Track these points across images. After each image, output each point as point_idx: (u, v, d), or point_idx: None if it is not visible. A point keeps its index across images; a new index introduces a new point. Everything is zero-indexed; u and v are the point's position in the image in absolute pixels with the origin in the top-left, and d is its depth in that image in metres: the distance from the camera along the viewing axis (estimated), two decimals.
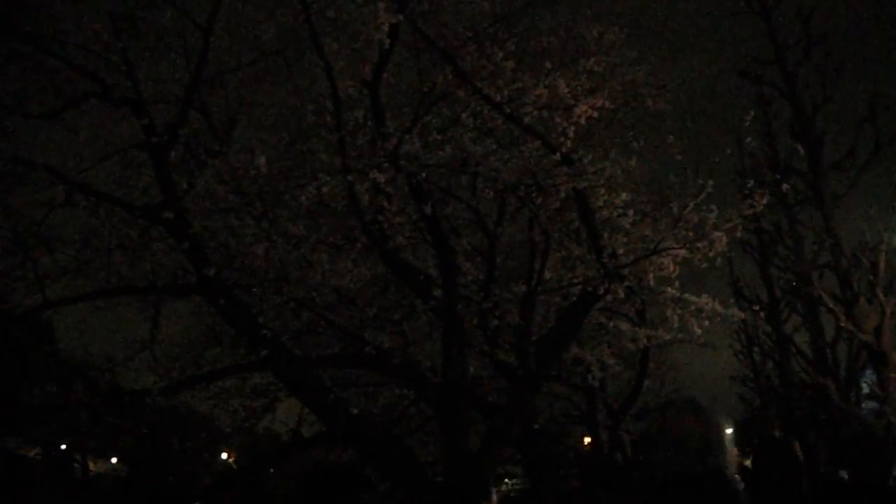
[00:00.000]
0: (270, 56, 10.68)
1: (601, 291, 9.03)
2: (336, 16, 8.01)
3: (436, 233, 8.88)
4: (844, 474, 7.25)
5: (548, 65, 9.46)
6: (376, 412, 15.11)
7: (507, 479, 31.64)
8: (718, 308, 9.12)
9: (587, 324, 14.23)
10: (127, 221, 10.18)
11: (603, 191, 9.15)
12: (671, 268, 9.07)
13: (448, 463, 8.81)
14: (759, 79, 16.30)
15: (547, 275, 9.90)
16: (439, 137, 7.99)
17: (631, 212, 8.47)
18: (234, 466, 41.55)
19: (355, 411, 9.03)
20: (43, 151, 10.63)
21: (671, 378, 26.09)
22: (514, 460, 20.35)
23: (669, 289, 9.03)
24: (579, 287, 9.52)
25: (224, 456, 45.76)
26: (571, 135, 8.98)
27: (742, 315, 9.23)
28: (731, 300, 26.13)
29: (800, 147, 14.42)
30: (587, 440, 24.92)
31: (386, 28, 7.57)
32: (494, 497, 8.61)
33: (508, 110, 8.83)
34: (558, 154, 8.28)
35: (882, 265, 13.72)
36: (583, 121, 9.34)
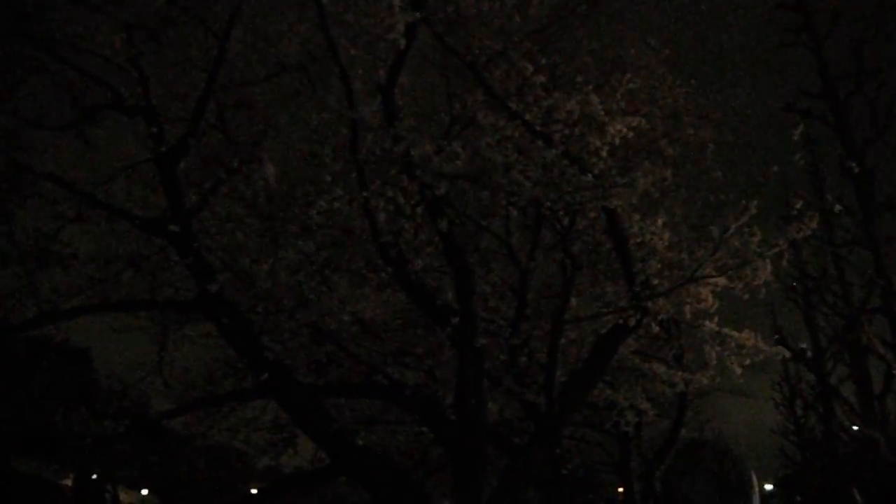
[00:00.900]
0: (293, 72, 10.27)
1: (633, 323, 8.33)
2: (353, 20, 7.55)
3: (452, 251, 8.26)
4: None
5: (580, 79, 8.91)
6: (393, 450, 14.47)
7: None
8: (762, 346, 8.38)
9: (621, 366, 13.65)
10: (141, 239, 9.85)
11: (638, 216, 8.51)
12: (709, 301, 8.36)
13: None
14: (807, 112, 15.58)
15: (575, 304, 9.22)
16: (455, 147, 7.38)
17: (667, 234, 7.78)
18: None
19: (361, 443, 8.39)
20: (59, 166, 10.36)
21: (710, 428, 25.05)
22: None
23: (708, 322, 8.30)
24: (610, 320, 8.82)
25: (254, 492, 45.30)
26: (605, 154, 8.37)
27: (788, 354, 8.46)
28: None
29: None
30: (620, 489, 23.97)
31: (402, 28, 7.06)
32: None
33: (538, 128, 8.26)
34: (590, 175, 7.68)
35: None
36: (617, 141, 8.69)
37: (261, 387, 8.54)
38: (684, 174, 8.62)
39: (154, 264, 10.11)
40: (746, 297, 7.85)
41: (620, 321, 8.61)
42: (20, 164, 8.95)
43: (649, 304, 8.08)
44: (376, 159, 8.65)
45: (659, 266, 7.96)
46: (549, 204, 7.68)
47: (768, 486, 38.70)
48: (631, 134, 8.78)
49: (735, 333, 8.30)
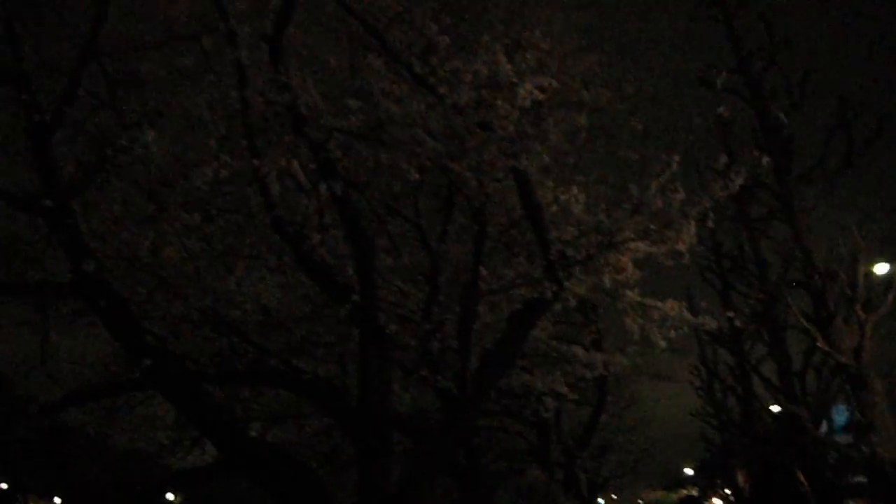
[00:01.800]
0: (184, 42, 9.34)
1: (548, 296, 7.61)
2: None
3: (349, 219, 7.41)
4: None
5: (486, 38, 8.16)
6: (303, 446, 13.60)
7: None
8: (687, 316, 7.76)
9: (538, 351, 13.10)
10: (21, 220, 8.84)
11: (551, 180, 7.82)
12: (630, 270, 7.70)
13: (364, 501, 7.30)
14: (715, 85, 15.21)
15: (489, 279, 8.48)
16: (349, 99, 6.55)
17: (583, 195, 7.08)
18: None
19: (254, 434, 7.52)
20: None
21: (631, 414, 24.72)
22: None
23: (629, 293, 7.65)
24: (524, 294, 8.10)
25: (170, 497, 43.83)
26: (515, 118, 7.63)
27: (714, 324, 7.87)
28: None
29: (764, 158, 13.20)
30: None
31: None
32: None
33: (443, 91, 7.47)
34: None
35: (861, 279, 12.55)
36: (528, 103, 7.94)
37: (144, 375, 7.57)
38: (601, 125, 7.93)
39: (39, 251, 9.09)
40: (671, 263, 7.22)
41: (536, 295, 7.89)
42: None
43: (565, 274, 7.39)
44: (266, 122, 7.78)
45: (575, 233, 7.27)
46: (454, 165, 6.88)
47: (689, 471, 38.94)
48: (542, 96, 8.07)
49: (658, 303, 7.67)
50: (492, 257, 8.72)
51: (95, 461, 33.51)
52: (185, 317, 9.34)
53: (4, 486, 32.57)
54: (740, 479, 25.79)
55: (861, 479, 13.78)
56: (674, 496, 44.02)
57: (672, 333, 7.96)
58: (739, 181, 6.62)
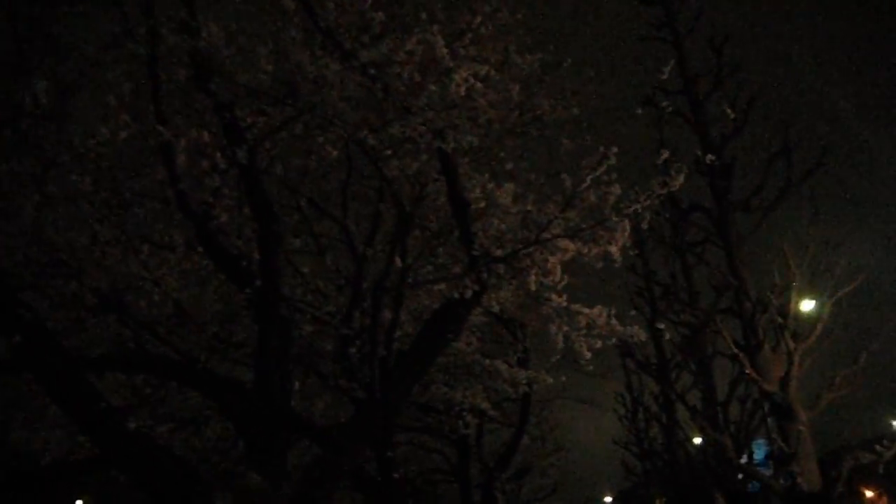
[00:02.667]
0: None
1: (469, 295, 7.04)
2: None
3: (253, 191, 6.73)
4: None
5: (424, 16, 7.60)
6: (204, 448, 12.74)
7: None
8: (616, 325, 7.25)
9: (461, 363, 12.59)
10: None
11: (479, 169, 7.27)
12: (557, 273, 7.17)
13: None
14: (664, 108, 14.96)
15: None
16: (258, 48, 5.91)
17: (511, 187, 6.53)
18: None
19: (132, 426, 6.76)
20: None
21: (553, 437, 24.24)
22: None
23: (555, 296, 7.11)
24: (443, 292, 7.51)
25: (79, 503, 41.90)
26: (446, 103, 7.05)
27: (643, 336, 7.38)
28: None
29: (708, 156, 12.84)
30: None
31: None
32: None
33: (373, 72, 6.86)
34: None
35: (792, 306, 12.28)
36: (462, 91, 7.36)
37: (14, 353, 6.75)
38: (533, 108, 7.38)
39: None
40: (600, 265, 6.71)
41: (456, 295, 7.30)
42: None
43: (489, 272, 6.84)
44: (173, 84, 7.09)
45: (502, 227, 6.72)
46: (373, 139, 6.27)
47: (608, 499, 38.75)
48: (479, 84, 7.53)
49: (585, 309, 7.15)
50: (415, 253, 8.10)
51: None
52: (80, 298, 8.55)
53: None
54: None
55: None
56: None
57: (598, 344, 7.46)
58: (680, 179, 6.15)
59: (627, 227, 6.36)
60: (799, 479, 11.30)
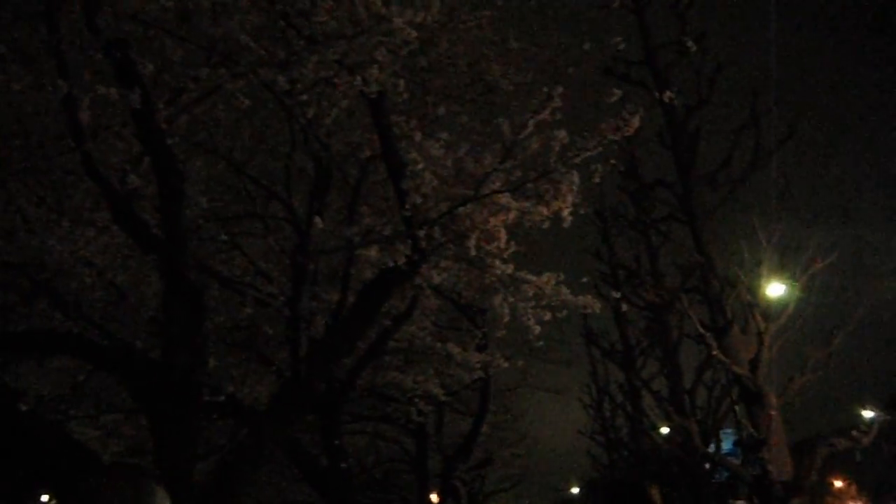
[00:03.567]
0: None
1: (402, 262, 6.21)
2: None
3: (148, 140, 5.83)
4: None
5: None
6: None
7: None
8: (566, 294, 6.45)
9: (412, 347, 12.04)
10: None
11: (416, 121, 6.43)
12: (502, 238, 6.35)
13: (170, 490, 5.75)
14: (625, 77, 14.19)
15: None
16: None
17: (445, 134, 5.70)
18: None
19: (25, 408, 5.93)
20: None
21: (516, 427, 23.56)
22: None
23: (498, 262, 6.29)
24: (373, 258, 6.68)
25: (45, 498, 40.80)
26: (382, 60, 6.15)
27: (598, 307, 6.61)
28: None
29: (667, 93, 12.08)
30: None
31: None
32: None
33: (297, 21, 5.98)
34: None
35: (763, 285, 11.56)
36: (405, 52, 6.36)
37: None
38: (466, 42, 6.53)
39: None
40: (546, 226, 5.90)
41: (391, 263, 6.46)
42: None
43: (423, 234, 6.01)
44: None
45: (435, 182, 5.88)
46: (283, 81, 5.40)
47: (575, 490, 38.18)
48: (414, 34, 6.62)
49: (532, 277, 6.34)
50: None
51: None
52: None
53: None
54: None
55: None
56: None
57: (547, 316, 6.66)
58: (635, 122, 5.33)
59: (576, 180, 5.55)
60: (769, 467, 10.63)
